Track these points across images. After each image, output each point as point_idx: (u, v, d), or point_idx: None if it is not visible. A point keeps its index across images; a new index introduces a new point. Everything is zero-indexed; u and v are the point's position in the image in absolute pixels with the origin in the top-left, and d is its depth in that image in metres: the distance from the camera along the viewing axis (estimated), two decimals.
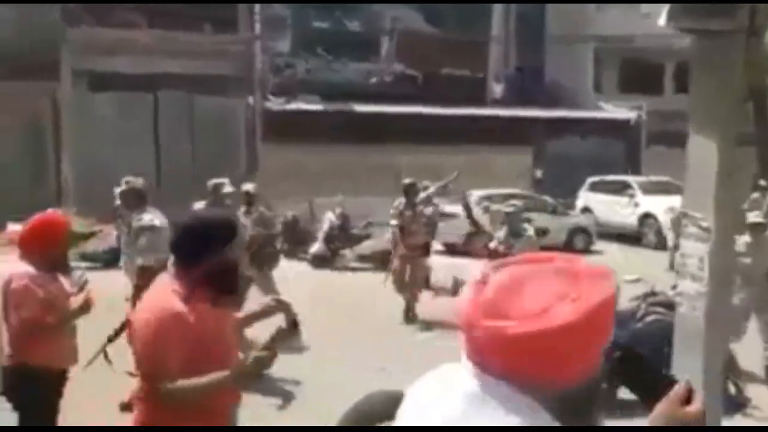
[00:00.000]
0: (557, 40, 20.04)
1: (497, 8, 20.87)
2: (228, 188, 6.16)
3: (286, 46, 19.61)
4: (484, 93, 20.60)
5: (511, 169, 18.47)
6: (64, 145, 17.08)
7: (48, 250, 3.69)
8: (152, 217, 5.59)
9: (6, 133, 15.96)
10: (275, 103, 17.98)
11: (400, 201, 9.05)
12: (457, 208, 14.05)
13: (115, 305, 5.02)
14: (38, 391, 3.63)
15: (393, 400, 1.25)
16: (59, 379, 3.82)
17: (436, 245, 14.55)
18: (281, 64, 19.16)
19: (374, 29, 20.37)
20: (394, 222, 9.10)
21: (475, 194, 14.80)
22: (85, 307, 3.79)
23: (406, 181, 9.29)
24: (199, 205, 6.31)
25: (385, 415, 1.34)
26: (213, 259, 2.39)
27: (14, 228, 8.55)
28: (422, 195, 9.32)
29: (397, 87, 19.65)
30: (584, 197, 17.60)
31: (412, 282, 8.94)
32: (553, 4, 20.58)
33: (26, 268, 3.66)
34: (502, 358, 1.07)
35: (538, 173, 19.13)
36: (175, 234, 2.57)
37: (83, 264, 12.32)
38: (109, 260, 12.01)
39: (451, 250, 14.61)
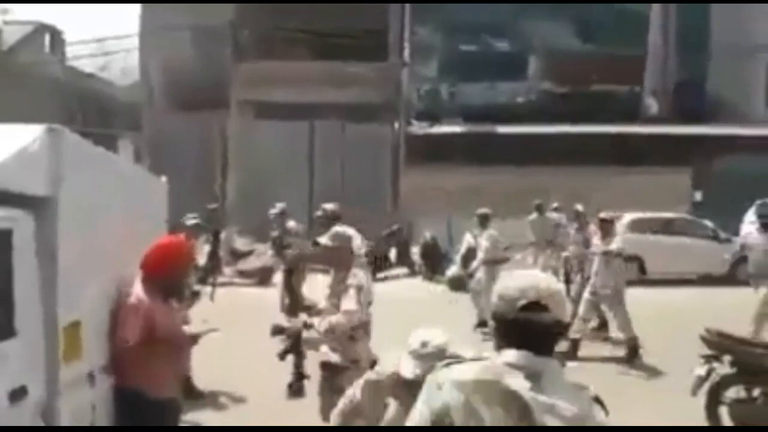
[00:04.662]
0: (722, 51, 18.54)
1: (655, 19, 19.79)
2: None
3: (433, 71, 20.11)
4: (638, 109, 19.59)
5: (668, 191, 17.30)
6: (230, 169, 18.85)
7: (165, 278, 3.59)
8: None
9: (182, 159, 17.89)
10: (418, 128, 18.47)
11: None
12: None
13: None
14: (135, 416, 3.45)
15: None
16: (160, 407, 3.54)
17: None
18: (425, 89, 19.65)
19: (522, 49, 20.22)
20: None
21: (627, 218, 14.14)
22: (192, 341, 3.86)
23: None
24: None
25: None
26: None
27: None
28: None
29: (543, 106, 19.31)
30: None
31: None
32: (719, 13, 19.07)
33: (140, 288, 3.50)
34: None
35: (697, 196, 17.72)
36: None
37: (238, 280, 13.55)
38: (265, 278, 13.06)
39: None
